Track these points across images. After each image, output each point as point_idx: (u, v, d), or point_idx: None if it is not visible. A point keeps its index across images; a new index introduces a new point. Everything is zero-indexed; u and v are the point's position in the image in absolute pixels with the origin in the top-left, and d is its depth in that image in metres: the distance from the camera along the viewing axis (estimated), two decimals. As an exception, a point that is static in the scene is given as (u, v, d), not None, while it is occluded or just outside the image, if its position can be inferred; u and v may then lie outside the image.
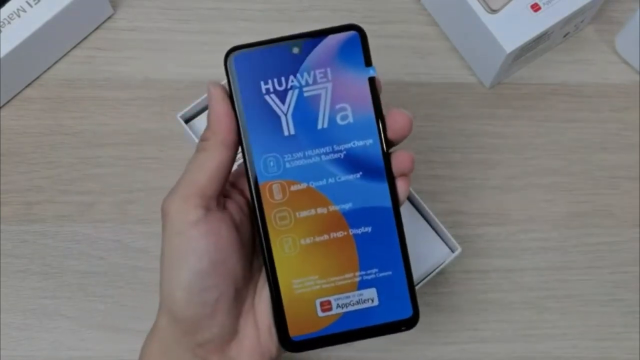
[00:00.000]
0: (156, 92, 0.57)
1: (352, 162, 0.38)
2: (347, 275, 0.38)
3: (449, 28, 0.59)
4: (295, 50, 0.38)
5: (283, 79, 0.38)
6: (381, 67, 0.58)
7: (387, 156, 0.38)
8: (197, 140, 0.51)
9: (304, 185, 0.38)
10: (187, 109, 0.52)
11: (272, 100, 0.38)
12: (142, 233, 0.54)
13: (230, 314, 0.38)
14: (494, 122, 0.57)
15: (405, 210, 0.51)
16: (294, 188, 0.38)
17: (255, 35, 0.60)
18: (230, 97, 0.38)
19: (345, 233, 0.38)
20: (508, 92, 0.58)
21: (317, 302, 0.38)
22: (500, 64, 0.54)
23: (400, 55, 0.59)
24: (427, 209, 0.50)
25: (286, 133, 0.38)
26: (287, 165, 0.38)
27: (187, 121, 0.53)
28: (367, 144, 0.38)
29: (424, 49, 0.59)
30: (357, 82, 0.38)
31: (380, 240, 0.38)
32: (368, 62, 0.38)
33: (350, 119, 0.38)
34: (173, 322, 0.38)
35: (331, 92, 0.38)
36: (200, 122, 0.53)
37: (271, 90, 0.38)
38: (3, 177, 0.55)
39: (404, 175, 0.39)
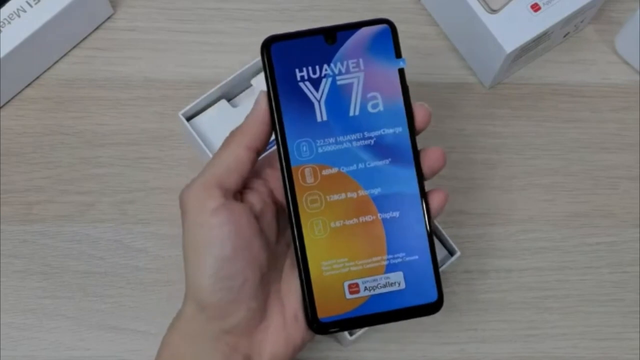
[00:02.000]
0: (156, 92, 0.57)
1: (381, 148, 0.39)
2: (375, 259, 0.39)
3: (449, 28, 0.59)
4: (330, 41, 0.40)
5: (317, 67, 0.39)
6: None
7: (414, 143, 0.39)
8: (198, 139, 0.51)
9: (335, 170, 0.39)
10: (188, 107, 0.52)
11: (307, 87, 0.39)
12: (142, 233, 0.54)
13: (256, 298, 0.38)
14: (494, 122, 0.57)
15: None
16: (325, 172, 0.39)
17: (256, 36, 0.60)
18: (267, 84, 0.39)
19: (374, 217, 0.39)
20: (508, 92, 0.58)
21: (346, 284, 0.39)
22: (500, 64, 0.54)
23: (400, 55, 0.59)
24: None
25: (319, 119, 0.39)
26: (320, 150, 0.39)
27: (187, 120, 0.53)
28: (397, 131, 0.39)
29: (424, 49, 0.59)
30: (387, 73, 0.40)
31: (407, 225, 0.39)
32: (398, 54, 0.40)
33: (381, 108, 0.39)
34: (200, 310, 0.38)
35: (363, 81, 0.39)
36: (201, 121, 0.53)
37: (306, 77, 0.39)
38: (3, 177, 0.55)
39: (434, 172, 0.40)
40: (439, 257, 0.50)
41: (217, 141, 0.52)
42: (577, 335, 0.53)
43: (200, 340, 0.38)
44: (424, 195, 0.39)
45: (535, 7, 0.53)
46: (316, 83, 0.39)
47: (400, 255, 0.39)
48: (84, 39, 0.58)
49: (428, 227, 0.39)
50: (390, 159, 0.39)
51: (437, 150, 0.40)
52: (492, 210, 0.55)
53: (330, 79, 0.39)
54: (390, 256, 0.39)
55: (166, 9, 0.59)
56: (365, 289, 0.39)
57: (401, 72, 0.40)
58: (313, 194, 0.39)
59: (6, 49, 0.52)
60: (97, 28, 0.58)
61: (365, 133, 0.39)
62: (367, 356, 0.52)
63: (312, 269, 0.39)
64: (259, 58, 0.52)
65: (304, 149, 0.39)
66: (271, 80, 0.39)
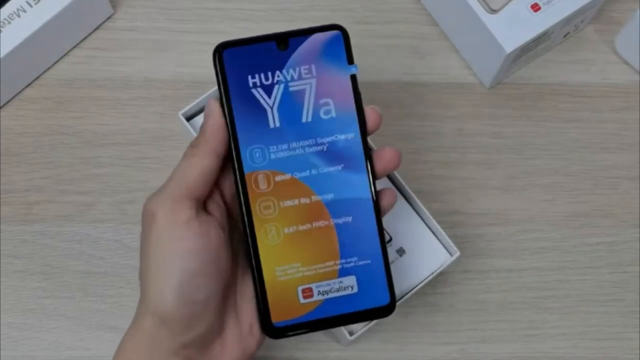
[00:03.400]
0: (156, 92, 0.57)
1: (334, 154, 0.40)
2: (328, 263, 0.40)
3: (449, 28, 0.59)
4: (282, 47, 0.40)
5: (270, 73, 0.40)
6: (381, 67, 0.58)
7: (367, 149, 0.40)
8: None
9: (288, 176, 0.40)
10: (188, 107, 0.52)
11: (259, 93, 0.40)
12: (142, 233, 0.54)
13: (218, 312, 0.38)
14: (494, 122, 0.57)
15: (404, 212, 0.51)
16: (278, 178, 0.39)
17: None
18: (219, 90, 0.39)
19: (327, 222, 0.40)
20: (508, 92, 0.58)
21: (299, 289, 0.39)
22: (500, 64, 0.54)
23: (400, 55, 0.59)
24: (425, 211, 0.50)
25: (272, 125, 0.39)
26: (272, 156, 0.39)
27: (187, 120, 0.52)
28: (349, 137, 0.40)
29: (424, 49, 0.59)
30: (340, 79, 0.40)
31: (360, 229, 0.40)
32: (350, 61, 0.40)
33: (333, 114, 0.40)
34: (160, 323, 0.38)
35: (315, 87, 0.40)
36: (201, 120, 0.53)
37: (258, 84, 0.40)
38: (3, 177, 0.55)
39: (388, 172, 0.40)
40: (439, 257, 0.50)
41: (217, 141, 0.52)
42: (577, 335, 0.53)
43: (156, 355, 0.38)
44: (376, 200, 0.40)
45: (535, 7, 0.53)
46: (269, 89, 0.40)
47: (353, 259, 0.40)
48: (84, 39, 0.58)
49: (380, 232, 0.40)
50: (343, 165, 0.40)
51: (391, 151, 0.40)
52: (492, 210, 0.55)
53: (282, 85, 0.40)
54: (344, 260, 0.40)
55: (166, 9, 0.59)
56: (319, 293, 0.40)
57: (353, 78, 0.40)
58: (266, 200, 0.39)
59: (6, 49, 0.52)
60: (97, 28, 0.58)
61: (318, 139, 0.40)
62: (367, 356, 0.52)
63: (266, 275, 0.39)
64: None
65: (257, 155, 0.39)
66: (223, 86, 0.39)
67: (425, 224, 0.51)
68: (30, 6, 0.53)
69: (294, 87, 0.40)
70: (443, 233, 0.50)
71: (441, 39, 0.59)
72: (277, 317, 0.39)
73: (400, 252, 0.50)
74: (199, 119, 0.53)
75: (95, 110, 0.57)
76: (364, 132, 0.40)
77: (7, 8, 0.53)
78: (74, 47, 0.58)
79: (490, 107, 0.58)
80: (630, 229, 0.55)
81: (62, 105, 0.57)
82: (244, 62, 0.40)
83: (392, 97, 0.58)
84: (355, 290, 0.40)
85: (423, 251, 0.50)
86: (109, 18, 0.59)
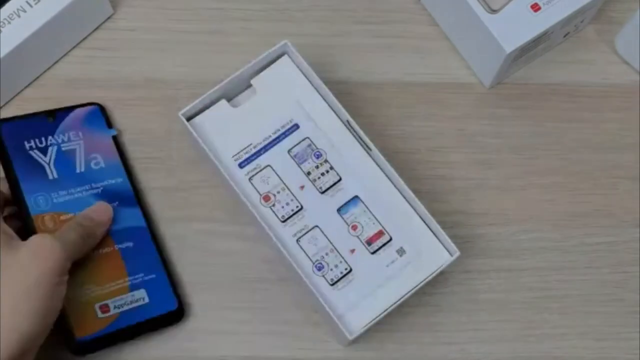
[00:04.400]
0: (156, 92, 0.57)
1: (109, 194, 0.51)
2: (119, 281, 0.49)
3: (449, 28, 0.59)
4: (50, 119, 0.52)
5: (43, 138, 0.51)
6: (381, 67, 0.58)
7: (136, 189, 0.52)
8: (198, 139, 0.51)
9: (71, 215, 0.49)
10: (188, 107, 0.52)
11: (36, 154, 0.50)
12: (142, 233, 0.54)
13: None
14: (494, 122, 0.57)
15: (404, 212, 0.51)
16: (63, 217, 0.49)
17: (256, 35, 0.60)
18: (1, 156, 0.50)
19: (112, 248, 0.49)
20: (508, 92, 0.58)
21: (97, 306, 0.48)
22: (500, 64, 0.54)
23: (400, 55, 0.59)
24: (425, 211, 0.50)
25: (50, 177, 0.50)
26: (55, 200, 0.49)
27: (187, 120, 0.52)
28: (119, 181, 0.52)
29: (424, 49, 0.59)
30: (103, 140, 0.53)
31: (141, 251, 0.50)
32: (109, 126, 0.54)
33: (102, 164, 0.52)
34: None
35: (84, 146, 0.52)
36: (201, 121, 0.53)
37: (34, 147, 0.51)
38: (3, 177, 0.55)
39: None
40: (439, 257, 0.50)
41: (217, 141, 0.52)
42: (577, 335, 0.53)
43: None
44: (150, 226, 0.51)
45: (535, 7, 0.53)
46: (44, 150, 0.51)
47: (140, 275, 0.49)
48: (84, 39, 0.58)
49: (159, 251, 0.51)
50: (117, 202, 0.51)
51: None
52: (492, 210, 0.55)
53: (55, 147, 0.51)
54: (131, 277, 0.49)
55: (166, 9, 0.59)
56: (115, 307, 0.48)
57: (115, 137, 0.53)
58: None
59: (6, 49, 0.52)
60: (97, 28, 0.58)
61: (93, 184, 0.51)
62: (367, 356, 0.52)
63: (65, 299, 0.45)
64: (259, 58, 0.52)
65: (41, 201, 0.49)
66: (4, 152, 0.50)
67: (425, 224, 0.51)
68: (30, 6, 0.53)
69: (65, 147, 0.51)
70: (443, 233, 0.50)
71: (441, 39, 0.59)
72: (80, 333, 0.47)
73: (400, 252, 0.50)
74: (199, 119, 0.53)
75: (95, 110, 0.57)
76: (131, 175, 0.53)
77: (7, 8, 0.53)
78: (74, 47, 0.58)
79: (490, 107, 0.58)
80: (630, 229, 0.55)
81: (62, 106, 0.56)
82: (20, 131, 0.51)
83: (392, 97, 0.58)
84: (147, 300, 0.49)
85: (423, 251, 0.50)
86: (109, 18, 0.59)
